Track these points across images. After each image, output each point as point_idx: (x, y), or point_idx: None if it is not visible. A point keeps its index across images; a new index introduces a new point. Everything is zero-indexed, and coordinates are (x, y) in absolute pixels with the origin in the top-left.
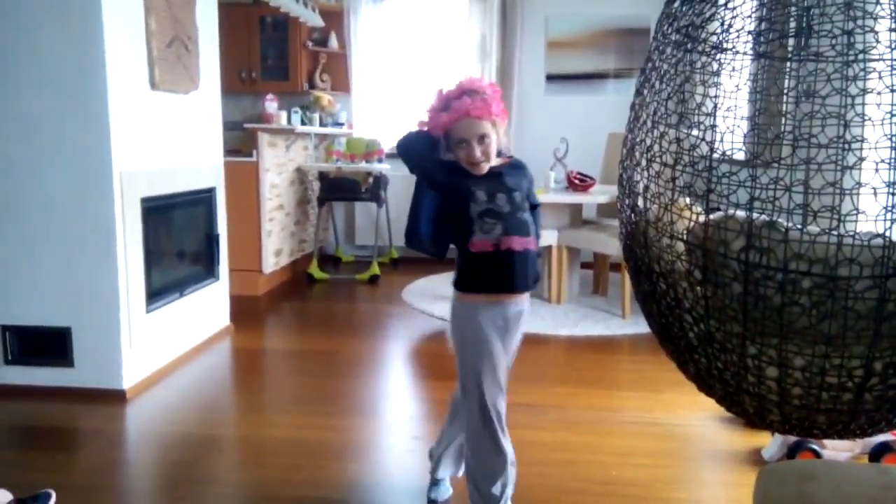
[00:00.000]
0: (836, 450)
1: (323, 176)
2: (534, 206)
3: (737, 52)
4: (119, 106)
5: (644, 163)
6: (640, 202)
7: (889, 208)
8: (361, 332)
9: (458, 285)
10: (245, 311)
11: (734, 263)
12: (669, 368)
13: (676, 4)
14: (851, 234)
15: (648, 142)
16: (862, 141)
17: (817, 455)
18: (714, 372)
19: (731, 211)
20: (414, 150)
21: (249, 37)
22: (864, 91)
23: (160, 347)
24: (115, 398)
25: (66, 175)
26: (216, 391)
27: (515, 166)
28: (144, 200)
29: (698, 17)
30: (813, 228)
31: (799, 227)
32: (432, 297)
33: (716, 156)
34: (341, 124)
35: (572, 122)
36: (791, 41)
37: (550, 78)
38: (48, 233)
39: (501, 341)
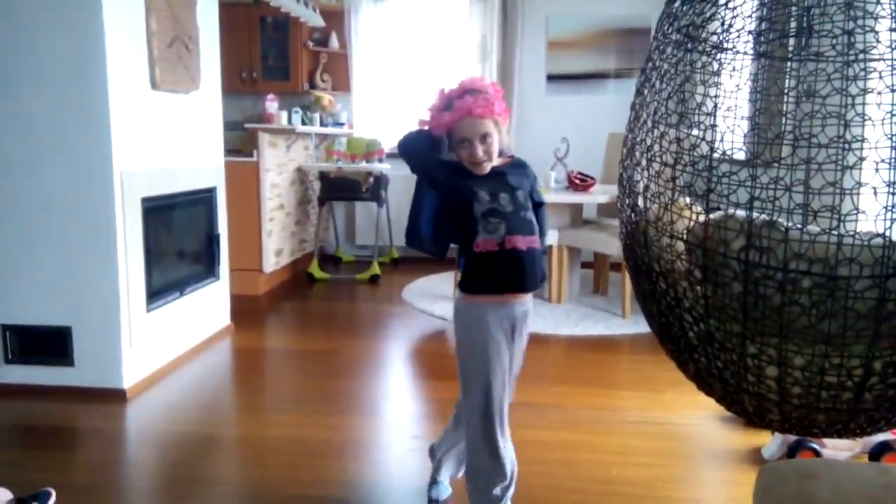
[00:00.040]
0: (836, 449)
1: (323, 176)
2: (539, 205)
3: (737, 52)
4: (119, 106)
5: (644, 162)
6: (641, 202)
7: (889, 208)
8: (362, 332)
9: (463, 286)
10: (245, 311)
11: (734, 263)
12: (670, 368)
13: (677, 4)
14: (851, 233)
15: (649, 141)
16: (862, 141)
17: (817, 454)
18: (714, 371)
19: (731, 210)
20: (415, 149)
21: (250, 37)
22: (865, 91)
23: (160, 347)
24: (116, 397)
25: (66, 174)
26: (216, 390)
27: (517, 165)
28: (145, 200)
29: (699, 17)
30: (813, 228)
31: (799, 226)
32: (433, 296)
33: (716, 155)
34: (342, 124)
35: (573, 121)
36: (791, 41)
37: (551, 78)
38: (49, 232)
39: (508, 343)
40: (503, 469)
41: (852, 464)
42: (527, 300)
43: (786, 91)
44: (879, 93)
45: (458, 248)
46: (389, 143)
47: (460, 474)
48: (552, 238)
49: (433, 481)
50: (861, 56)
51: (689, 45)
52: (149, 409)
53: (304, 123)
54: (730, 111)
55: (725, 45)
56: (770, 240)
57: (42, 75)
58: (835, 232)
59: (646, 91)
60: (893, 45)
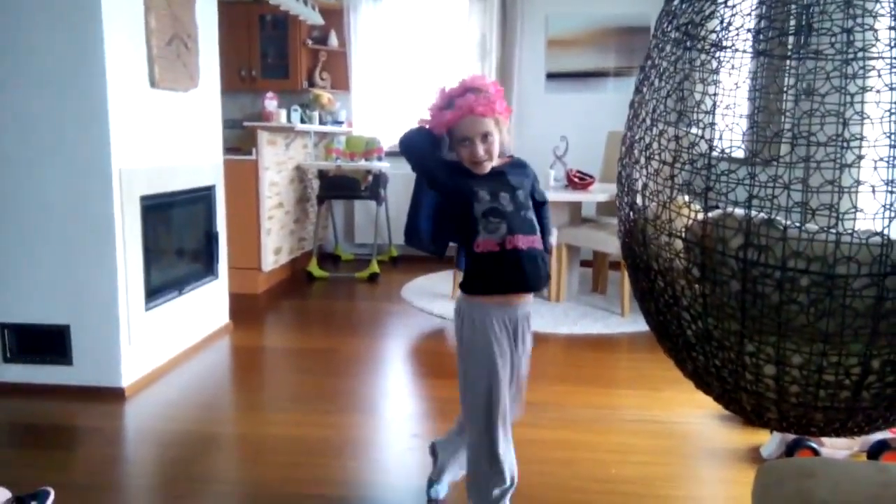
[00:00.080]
0: (835, 448)
1: (322, 174)
2: (541, 204)
3: (736, 50)
4: (118, 104)
5: (643, 160)
6: (639, 200)
7: (887, 206)
8: (361, 331)
9: (464, 287)
10: (244, 309)
11: (732, 261)
12: (668, 366)
13: (676, 2)
14: (850, 232)
15: (647, 139)
16: (861, 139)
17: (816, 453)
18: (712, 369)
19: (729, 209)
20: (417, 147)
21: (249, 35)
22: (864, 89)
23: (159, 345)
24: (114, 396)
25: (65, 172)
26: (215, 389)
27: (517, 165)
28: (144, 198)
29: (698, 15)
30: (811, 226)
31: (797, 225)
32: (432, 295)
33: (714, 153)
34: (341, 122)
35: (572, 120)
36: (790, 39)
37: (550, 76)
38: (47, 230)
39: (510, 345)
40: (503, 473)
41: (851, 462)
42: (529, 300)
43: (785, 89)
44: (878, 91)
45: (458, 246)
46: (388, 141)
47: (461, 475)
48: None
49: (432, 481)
50: (860, 54)
51: (688, 43)
52: (148, 408)
53: (303, 122)
54: (729, 109)
55: (724, 43)
56: (768, 238)
57: (41, 73)
58: (833, 230)
59: (645, 89)
60: (892, 44)
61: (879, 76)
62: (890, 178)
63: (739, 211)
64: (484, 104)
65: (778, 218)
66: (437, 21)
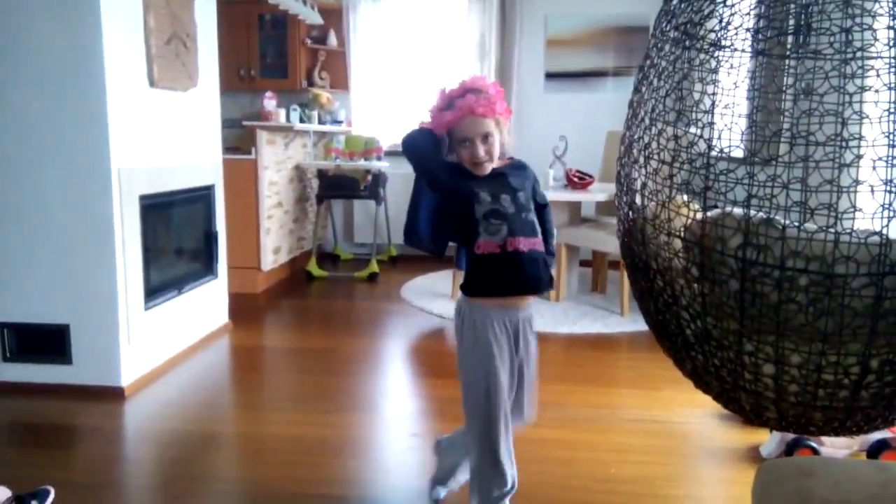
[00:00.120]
0: (834, 447)
1: (322, 173)
2: (543, 206)
3: (735, 50)
4: (118, 103)
5: (642, 160)
6: (638, 199)
7: (886, 206)
8: (360, 330)
9: (465, 288)
10: (244, 309)
11: (731, 260)
12: (668, 366)
13: (675, 2)
14: (848, 231)
15: (646, 139)
16: (860, 139)
17: (815, 452)
18: (711, 369)
19: (728, 208)
20: (420, 147)
21: (248, 34)
22: (862, 89)
23: (159, 345)
24: (114, 395)
25: (64, 172)
26: (215, 388)
27: (517, 167)
28: (143, 198)
29: (697, 15)
30: (810, 226)
31: (796, 224)
32: (431, 294)
33: (713, 153)
34: (340, 122)
35: (571, 119)
36: (789, 38)
37: (549, 76)
38: (47, 230)
39: (511, 347)
40: (504, 475)
41: (850, 462)
42: (531, 303)
43: (783, 89)
44: (877, 91)
45: (457, 245)
46: (387, 141)
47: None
48: None
49: (436, 481)
50: (859, 54)
51: (687, 43)
52: (147, 407)
53: (302, 121)
54: (727, 108)
55: (723, 42)
56: (767, 237)
57: (40, 73)
58: (832, 230)
59: (644, 88)
60: (891, 43)
61: (878, 76)
62: (888, 178)
63: (738, 210)
64: (484, 105)
65: (777, 217)
66: (436, 21)
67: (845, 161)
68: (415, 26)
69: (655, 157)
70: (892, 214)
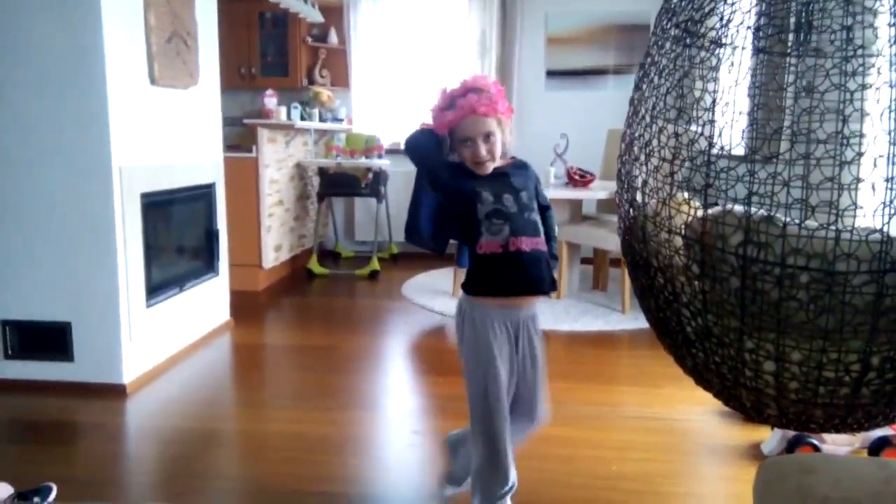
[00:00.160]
0: (836, 444)
1: (322, 171)
2: (545, 208)
3: (736, 47)
4: (118, 101)
5: (642, 157)
6: (639, 197)
7: (887, 203)
8: (361, 328)
9: (466, 287)
10: (245, 307)
11: (732, 258)
12: (669, 363)
13: None
14: (849, 229)
15: (647, 136)
16: (861, 136)
17: (816, 449)
18: (711, 366)
19: (729, 206)
20: (423, 148)
21: (249, 32)
22: (863, 86)
23: (160, 342)
24: (115, 393)
25: (65, 170)
26: (216, 386)
27: (519, 166)
28: (144, 196)
29: (697, 12)
30: (811, 223)
31: (797, 222)
32: (432, 292)
33: (714, 151)
34: (341, 120)
35: (572, 117)
36: (790, 36)
37: (550, 74)
38: (48, 228)
39: (511, 347)
40: (506, 475)
41: (852, 459)
42: (533, 304)
43: (785, 86)
44: (878, 88)
45: (458, 243)
46: (388, 138)
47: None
48: None
49: (449, 479)
50: (860, 52)
51: (688, 41)
52: (149, 405)
53: (302, 119)
54: (728, 106)
55: (724, 40)
56: (768, 235)
57: (41, 71)
58: (833, 227)
59: (644, 86)
60: (892, 41)
61: (879, 73)
62: (890, 175)
63: (739, 208)
64: (486, 104)
65: (777, 215)
66: (436, 18)
67: (846, 158)
68: (415, 24)
69: (656, 154)
70: (893, 212)
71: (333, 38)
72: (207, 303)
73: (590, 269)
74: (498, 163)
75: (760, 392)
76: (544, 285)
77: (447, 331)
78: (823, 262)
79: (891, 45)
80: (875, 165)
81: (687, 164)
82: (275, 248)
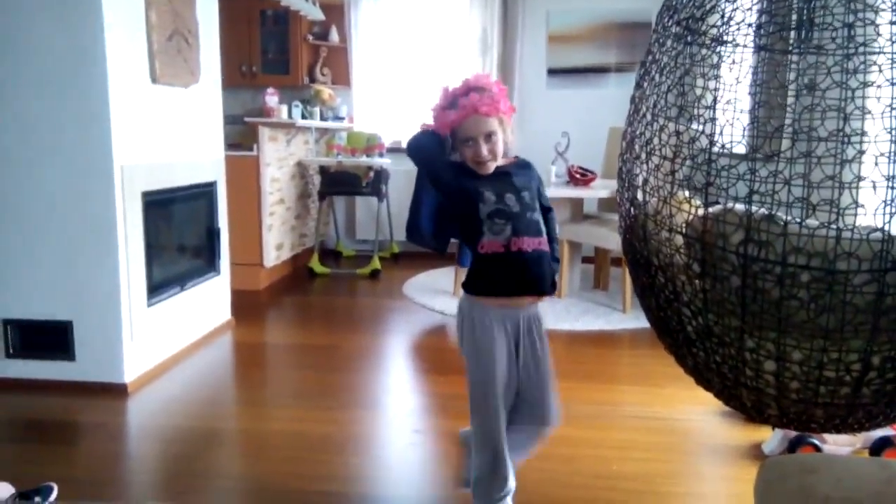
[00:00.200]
0: (837, 444)
1: (324, 170)
2: (547, 210)
3: (737, 45)
4: (119, 100)
5: (643, 156)
6: (639, 195)
7: (888, 202)
8: (362, 327)
9: (467, 286)
10: (246, 305)
11: (733, 257)
12: (670, 363)
13: None
14: (850, 227)
15: (648, 135)
16: (862, 134)
17: (818, 449)
18: (712, 365)
19: (729, 204)
20: (426, 150)
21: (250, 30)
22: (865, 84)
23: (161, 341)
24: (117, 392)
25: (66, 169)
26: (217, 385)
27: (522, 166)
28: (145, 194)
29: (699, 10)
30: (812, 222)
31: (798, 220)
32: (433, 291)
33: (715, 149)
34: (342, 118)
35: (573, 116)
36: (792, 34)
37: (552, 72)
38: (49, 227)
39: (511, 347)
40: (505, 477)
41: (853, 459)
42: (535, 304)
43: (786, 84)
44: (879, 86)
45: (460, 242)
46: (390, 137)
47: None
48: None
49: (462, 478)
50: (861, 49)
51: (689, 38)
52: (150, 404)
53: (304, 117)
54: (729, 104)
55: (725, 37)
56: (769, 234)
57: (42, 71)
58: (834, 226)
59: (645, 84)
60: (894, 39)
61: (880, 71)
62: (891, 174)
63: (740, 206)
64: (488, 103)
65: (778, 214)
66: (437, 16)
67: (847, 157)
68: (416, 22)
69: (657, 153)
70: (894, 211)
71: (334, 36)
72: (208, 302)
73: (591, 268)
74: (500, 162)
75: (761, 392)
76: (545, 286)
77: (448, 330)
78: (824, 260)
79: (892, 43)
80: (876, 164)
81: (688, 162)
82: (276, 246)
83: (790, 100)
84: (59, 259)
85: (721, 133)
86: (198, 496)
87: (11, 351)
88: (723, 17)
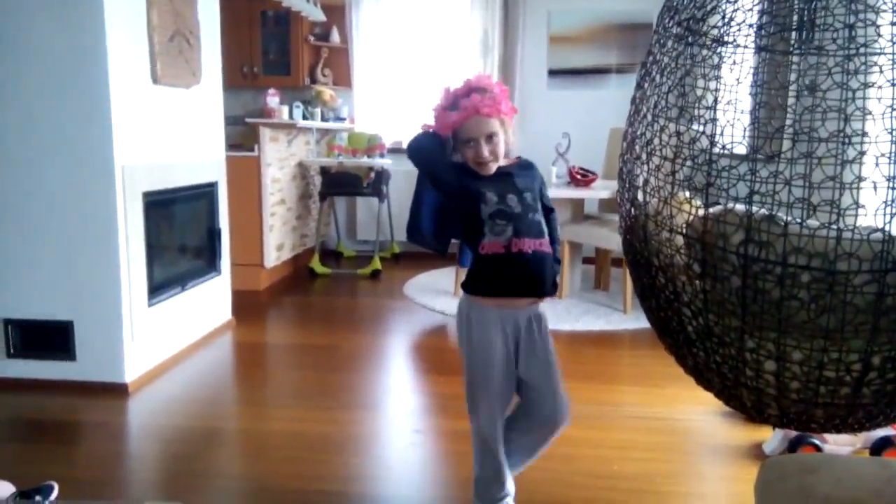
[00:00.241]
0: (838, 444)
1: (324, 170)
2: (549, 210)
3: (738, 46)
4: (121, 100)
5: (644, 156)
6: (640, 196)
7: (889, 203)
8: (363, 327)
9: (466, 286)
10: (247, 306)
11: (733, 257)
12: (670, 363)
13: None
14: (851, 228)
15: (648, 135)
16: (862, 135)
17: (818, 449)
18: (712, 366)
19: (730, 205)
20: (427, 152)
21: (251, 31)
22: (866, 85)
23: (162, 341)
24: (117, 392)
25: (67, 169)
26: (218, 385)
27: (525, 166)
28: (146, 195)
29: (699, 11)
30: (812, 222)
31: (798, 221)
32: (434, 291)
33: (716, 149)
34: (343, 119)
35: (574, 117)
36: (793, 35)
37: (553, 73)
38: (50, 227)
39: (509, 347)
40: (502, 475)
41: (854, 458)
42: (535, 305)
43: (787, 85)
44: (880, 87)
45: (460, 243)
46: (391, 137)
47: (514, 473)
48: None
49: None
50: (862, 50)
51: (690, 39)
52: (150, 404)
53: (305, 118)
54: (730, 105)
55: (726, 38)
56: (769, 234)
57: (43, 71)
58: (834, 226)
59: (646, 85)
60: (894, 40)
61: (881, 72)
62: (891, 175)
63: (740, 207)
64: (489, 104)
65: (779, 214)
66: (438, 17)
67: (848, 157)
68: (417, 23)
69: (658, 153)
70: (894, 211)
71: (336, 36)
72: (209, 302)
73: (591, 268)
74: (502, 162)
75: (761, 392)
76: (544, 287)
77: (449, 330)
78: (825, 261)
79: (893, 44)
80: (877, 164)
81: (688, 162)
82: (277, 247)
83: (791, 100)
84: (59, 259)
85: (722, 134)
86: (198, 496)
87: (12, 351)
88: (724, 17)
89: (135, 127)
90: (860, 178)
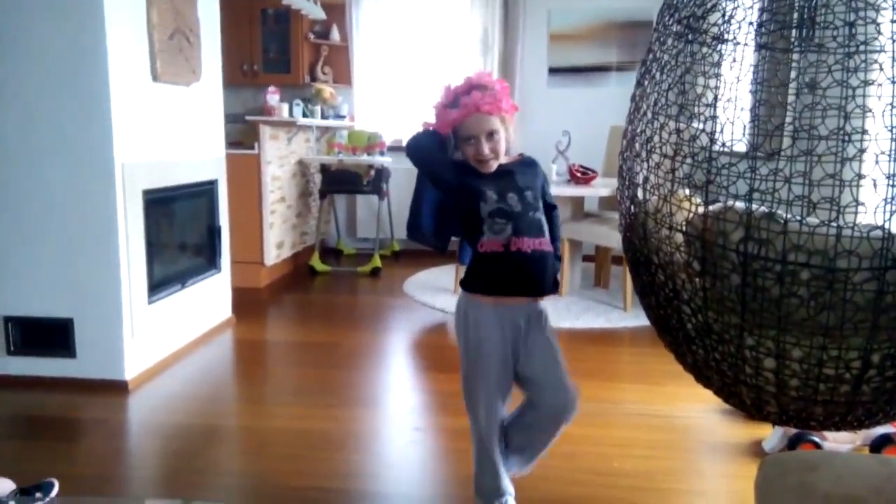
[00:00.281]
0: (837, 442)
1: (324, 168)
2: (551, 207)
3: (738, 43)
4: (121, 98)
5: (644, 154)
6: (640, 193)
7: (888, 200)
8: (363, 325)
9: (465, 284)
10: (247, 303)
11: (733, 255)
12: (670, 361)
13: None
14: (850, 225)
15: (648, 133)
16: (862, 132)
17: (818, 447)
18: (712, 363)
19: (730, 202)
20: (426, 150)
21: (251, 29)
22: (866, 83)
23: (162, 338)
24: (118, 389)
25: (67, 167)
26: (218, 382)
27: (527, 164)
28: (146, 192)
29: (699, 8)
30: (812, 220)
31: (798, 218)
32: (434, 289)
33: (716, 147)
34: (343, 117)
35: (574, 115)
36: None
37: (553, 71)
38: (50, 224)
39: (507, 345)
40: (498, 475)
41: (853, 456)
42: (534, 305)
43: (787, 82)
44: (880, 85)
45: (460, 240)
46: (391, 135)
47: (526, 470)
48: None
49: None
50: (862, 48)
51: (690, 36)
52: (151, 401)
53: (305, 116)
54: (730, 102)
55: (726, 36)
56: (769, 231)
57: (43, 68)
58: (834, 224)
59: (646, 82)
60: (894, 37)
61: (881, 70)
62: (891, 172)
63: (740, 204)
64: (490, 102)
65: (779, 211)
66: (438, 15)
67: (848, 155)
68: (417, 21)
69: (658, 151)
70: (894, 209)
71: (335, 34)
72: (209, 299)
73: (591, 266)
74: (504, 160)
75: (761, 389)
76: (543, 287)
77: (448, 328)
78: (824, 258)
79: (893, 42)
80: (877, 162)
81: (688, 160)
82: (277, 245)
83: (791, 98)
84: (60, 256)
85: (721, 131)
86: (198, 493)
87: (12, 348)
88: (724, 15)
89: (135, 125)
90: (860, 176)
